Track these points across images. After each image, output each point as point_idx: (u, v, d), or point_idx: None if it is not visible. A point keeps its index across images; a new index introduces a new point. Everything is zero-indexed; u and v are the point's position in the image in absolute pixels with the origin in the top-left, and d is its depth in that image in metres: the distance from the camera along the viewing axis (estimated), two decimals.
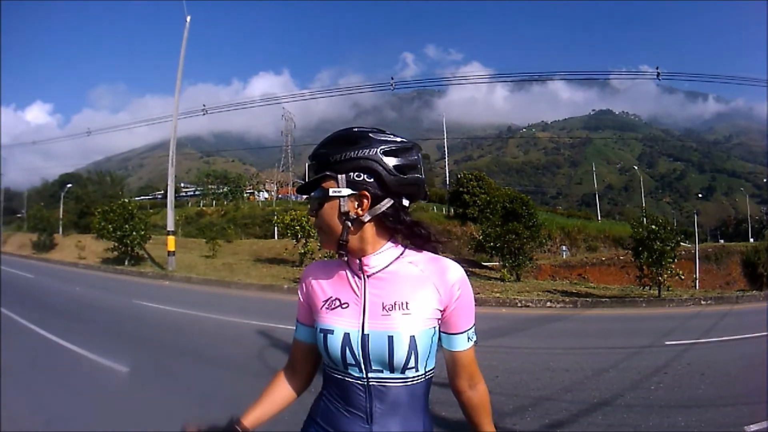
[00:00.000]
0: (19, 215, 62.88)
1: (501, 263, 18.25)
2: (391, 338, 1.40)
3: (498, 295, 13.37)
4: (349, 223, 1.41)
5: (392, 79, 30.30)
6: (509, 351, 7.19)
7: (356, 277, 1.49)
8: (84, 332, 8.42)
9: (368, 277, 1.48)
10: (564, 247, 40.27)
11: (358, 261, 1.47)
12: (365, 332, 1.42)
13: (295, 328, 1.66)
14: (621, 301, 13.43)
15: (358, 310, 1.45)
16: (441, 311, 1.46)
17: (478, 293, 12.65)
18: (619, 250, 33.87)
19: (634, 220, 15.90)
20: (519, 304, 12.53)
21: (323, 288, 1.54)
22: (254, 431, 1.60)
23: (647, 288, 14.41)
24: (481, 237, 19.34)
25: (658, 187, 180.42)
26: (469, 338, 1.52)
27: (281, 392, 1.66)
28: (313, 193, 1.46)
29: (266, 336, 8.14)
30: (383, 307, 1.43)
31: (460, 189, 40.95)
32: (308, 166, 1.53)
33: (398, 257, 1.49)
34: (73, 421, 4.59)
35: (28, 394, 5.33)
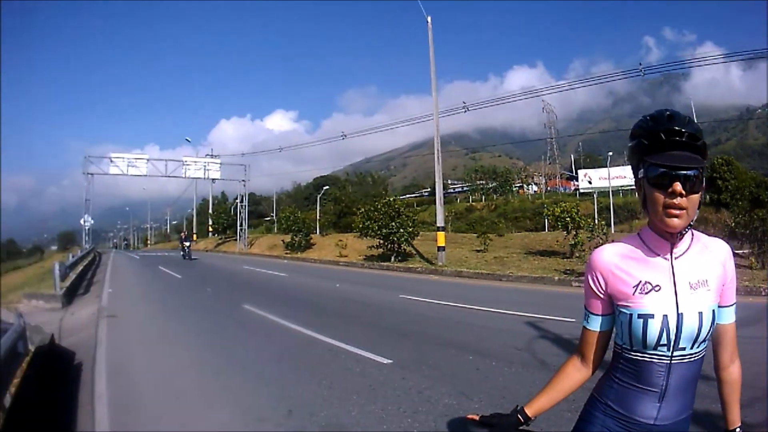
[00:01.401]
0: (267, 218, 67.85)
1: (750, 250, 15.68)
2: (700, 315, 1.49)
3: (747, 283, 12.01)
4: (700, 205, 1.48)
5: (640, 65, 29.25)
6: (751, 341, 6.24)
7: (662, 259, 1.54)
8: (344, 327, 8.76)
9: (675, 258, 1.54)
10: None
11: (667, 243, 1.54)
12: (679, 312, 1.49)
13: (585, 318, 1.68)
14: None
15: (670, 291, 1.51)
16: (722, 286, 1.56)
17: None
18: None
19: None
20: (763, 293, 11.12)
21: (629, 273, 1.55)
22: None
23: None
24: (732, 224, 17.25)
25: None
26: (734, 311, 1.61)
27: (568, 381, 1.69)
28: (692, 172, 1.43)
29: (535, 327, 8.04)
30: (690, 286, 1.51)
31: (714, 175, 36.62)
32: (684, 142, 1.46)
33: (693, 237, 1.57)
34: (321, 408, 4.84)
35: (272, 386, 5.65)
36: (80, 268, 21.07)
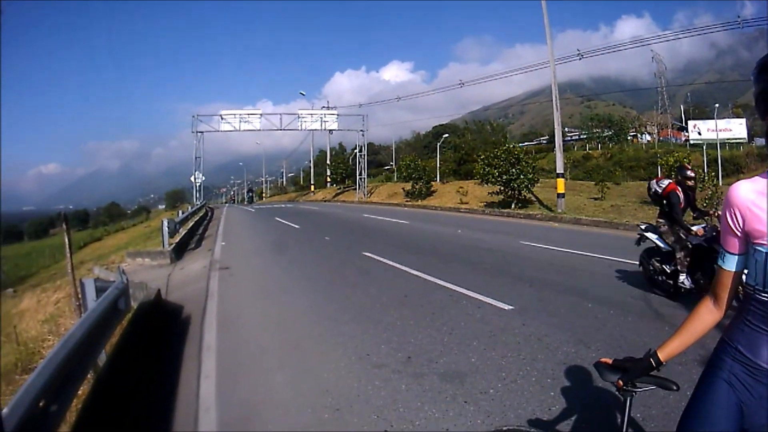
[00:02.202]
0: (387, 167, 67.75)
1: None
2: None
3: None
4: None
5: (738, 17, 29.56)
6: None
7: None
8: (466, 273, 8.76)
9: None
10: None
11: None
12: None
13: (720, 258, 1.62)
14: None
15: None
16: None
17: None
18: None
19: None
20: None
21: (766, 210, 1.47)
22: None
23: None
24: None
25: None
26: None
27: (700, 324, 1.65)
28: None
29: None
30: None
31: None
32: None
33: None
34: (440, 355, 4.88)
35: (391, 332, 5.69)
36: (191, 223, 21.19)
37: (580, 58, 30.41)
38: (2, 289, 13.76)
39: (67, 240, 7.81)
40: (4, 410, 2.47)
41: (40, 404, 2.88)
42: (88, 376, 4.22)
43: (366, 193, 45.06)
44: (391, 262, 9.93)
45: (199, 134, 41.85)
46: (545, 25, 21.66)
